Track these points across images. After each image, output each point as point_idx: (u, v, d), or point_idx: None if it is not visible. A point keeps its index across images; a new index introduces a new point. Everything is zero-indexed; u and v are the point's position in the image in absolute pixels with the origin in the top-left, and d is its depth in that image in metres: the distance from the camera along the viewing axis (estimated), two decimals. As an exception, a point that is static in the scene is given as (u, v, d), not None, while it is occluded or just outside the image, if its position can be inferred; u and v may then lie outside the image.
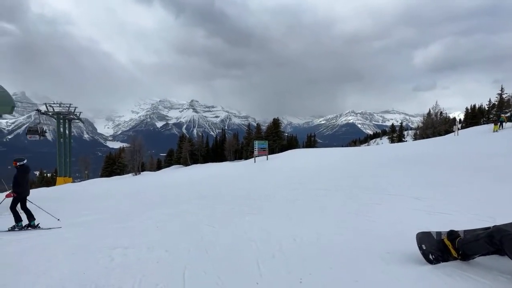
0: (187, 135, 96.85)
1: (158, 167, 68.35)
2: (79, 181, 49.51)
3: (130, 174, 47.18)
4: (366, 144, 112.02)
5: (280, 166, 20.80)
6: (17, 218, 7.91)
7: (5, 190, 14.46)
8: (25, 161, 8.05)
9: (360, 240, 4.32)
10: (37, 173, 78.60)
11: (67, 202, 15.66)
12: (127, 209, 10.75)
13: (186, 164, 58.42)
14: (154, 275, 3.65)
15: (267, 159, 31.28)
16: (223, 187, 14.22)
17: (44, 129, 31.78)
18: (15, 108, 22.56)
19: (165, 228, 6.48)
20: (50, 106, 48.20)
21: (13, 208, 7.88)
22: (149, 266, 3.98)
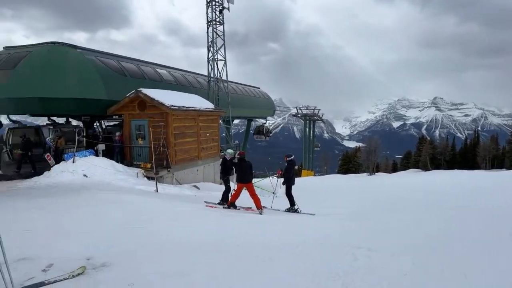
0: (427, 136, 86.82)
1: (394, 169, 65.40)
2: (319, 175, 55.43)
3: (364, 174, 47.86)
4: None
5: None
6: (292, 202, 9.69)
7: (266, 177, 18.18)
8: (292, 157, 9.95)
9: None
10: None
11: (308, 192, 17.59)
12: (364, 208, 10.82)
13: (425, 168, 52.60)
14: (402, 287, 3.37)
15: (550, 171, 22.86)
16: (475, 200, 11.63)
17: (270, 130, 35.88)
18: (275, 111, 27.95)
19: (404, 236, 5.92)
20: (300, 109, 56.69)
21: (288, 194, 9.69)
22: (396, 276, 3.73)
